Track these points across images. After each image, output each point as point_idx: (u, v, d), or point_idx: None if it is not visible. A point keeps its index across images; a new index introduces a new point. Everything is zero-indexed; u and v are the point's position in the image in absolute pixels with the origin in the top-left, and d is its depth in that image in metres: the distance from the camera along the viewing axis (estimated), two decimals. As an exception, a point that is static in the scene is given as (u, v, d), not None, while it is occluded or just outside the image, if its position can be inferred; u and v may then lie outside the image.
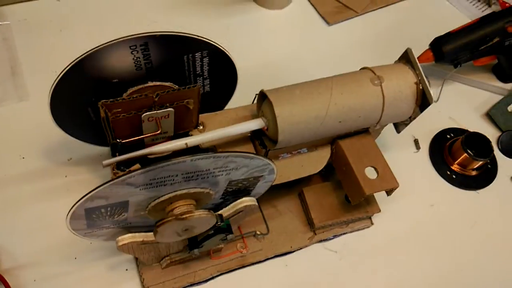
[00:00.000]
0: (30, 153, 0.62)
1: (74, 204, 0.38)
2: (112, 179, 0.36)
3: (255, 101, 0.58)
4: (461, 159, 0.68)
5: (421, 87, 0.53)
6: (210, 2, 0.83)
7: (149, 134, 0.49)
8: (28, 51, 0.71)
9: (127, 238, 0.45)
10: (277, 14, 0.84)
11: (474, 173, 0.69)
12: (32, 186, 0.59)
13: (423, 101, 0.53)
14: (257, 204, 0.48)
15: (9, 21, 0.73)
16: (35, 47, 0.72)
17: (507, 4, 0.85)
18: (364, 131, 0.56)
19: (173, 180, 0.39)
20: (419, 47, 0.73)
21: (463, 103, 0.77)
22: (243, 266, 0.57)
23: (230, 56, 0.49)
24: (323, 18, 0.84)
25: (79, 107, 0.49)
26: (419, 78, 0.53)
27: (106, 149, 0.62)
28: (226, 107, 0.59)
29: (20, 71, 0.68)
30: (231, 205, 0.48)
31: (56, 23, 0.75)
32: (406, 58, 0.55)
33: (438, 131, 0.73)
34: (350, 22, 0.84)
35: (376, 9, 0.87)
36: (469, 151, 0.66)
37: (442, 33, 0.72)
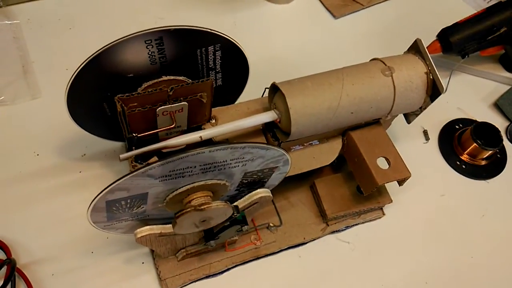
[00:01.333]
0: (44, 150, 0.62)
1: (96, 197, 0.39)
2: (133, 171, 0.37)
3: (265, 95, 0.59)
4: (470, 149, 0.69)
5: (431, 77, 0.53)
6: (216, -3, 0.83)
7: (164, 128, 0.49)
8: (38, 49, 0.72)
9: (145, 230, 0.46)
10: (283, 8, 0.84)
11: (483, 162, 0.69)
12: (47, 182, 0.60)
13: (433, 91, 0.54)
14: (271, 195, 0.49)
15: (18, 20, 0.73)
16: (45, 46, 0.72)
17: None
18: (375, 122, 0.57)
19: (191, 171, 0.40)
20: (426, 39, 0.72)
21: (471, 93, 0.78)
22: (257, 258, 0.58)
23: (242, 49, 0.50)
24: (329, 11, 0.84)
25: (95, 103, 0.49)
26: (429, 68, 0.53)
27: (119, 144, 0.63)
28: (237, 101, 0.60)
29: (32, 69, 0.69)
30: (247, 196, 0.48)
31: (65, 22, 0.76)
32: (415, 48, 0.55)
33: (446, 122, 0.73)
34: (356, 15, 0.85)
35: (382, 1, 0.87)
36: (478, 141, 0.66)
37: (449, 24, 0.73)
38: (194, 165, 0.39)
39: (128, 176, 0.37)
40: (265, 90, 0.59)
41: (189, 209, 0.41)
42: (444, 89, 0.52)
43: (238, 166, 0.43)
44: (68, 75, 0.65)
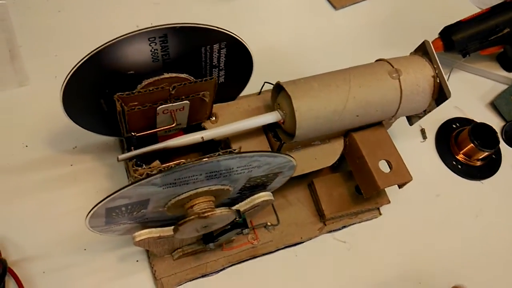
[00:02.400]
0: (33, 141, 0.60)
1: (96, 205, 0.37)
2: (138, 180, 0.35)
3: (263, 89, 0.57)
4: (467, 149, 0.69)
5: (438, 81, 0.52)
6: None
7: (164, 127, 0.48)
8: (25, 33, 0.68)
9: (144, 234, 0.44)
10: (283, -3, 0.82)
11: (478, 163, 0.70)
12: (37, 176, 0.58)
13: (439, 95, 0.53)
14: (273, 198, 0.48)
15: (4, 1, 0.69)
16: (33, 29, 0.69)
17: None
18: (377, 123, 0.56)
19: (196, 178, 0.39)
20: (427, 34, 0.71)
21: (468, 92, 0.78)
22: (254, 257, 0.57)
23: (248, 47, 0.48)
24: (329, 2, 0.82)
25: (92, 99, 0.47)
26: (437, 71, 0.52)
27: (112, 138, 0.61)
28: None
29: (19, 54, 0.65)
30: (248, 199, 0.47)
31: (53, 4, 0.72)
32: (423, 50, 0.54)
33: (444, 121, 0.73)
34: (357, 6, 0.83)
35: (383, -7, 0.85)
36: (475, 142, 0.66)
37: (451, 20, 0.71)
38: (200, 173, 0.38)
39: (132, 186, 0.35)
40: (263, 85, 0.57)
41: (192, 217, 0.40)
42: (451, 93, 0.51)
43: (244, 172, 0.41)
44: (58, 61, 0.62)
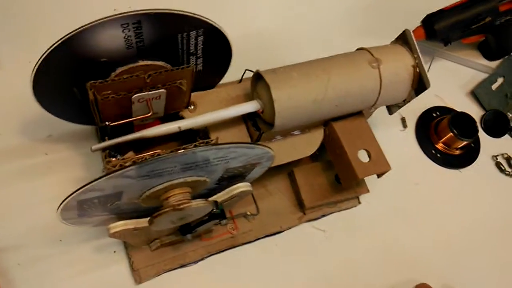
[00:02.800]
0: (6, 128, 0.58)
1: (67, 197, 0.36)
2: (109, 172, 0.34)
3: (243, 77, 0.56)
4: (446, 138, 0.69)
5: (418, 71, 0.52)
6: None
7: (139, 117, 0.46)
8: (-2, 16, 0.65)
9: (119, 226, 0.43)
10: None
11: (457, 152, 0.70)
12: (10, 165, 0.56)
13: (419, 85, 0.53)
14: (252, 189, 0.47)
15: (-25, -18, 0.66)
16: (6, 12, 0.66)
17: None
18: (357, 113, 0.56)
19: (171, 170, 0.38)
20: (410, 20, 0.71)
21: (449, 81, 0.78)
22: (234, 247, 0.57)
23: (226, 35, 0.47)
24: (312, -14, 0.81)
25: (64, 87, 0.45)
26: (417, 61, 0.52)
27: (88, 126, 0.59)
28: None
29: (-10, 38, 0.63)
30: (226, 190, 0.47)
31: (28, -15, 0.69)
32: (403, 39, 0.54)
33: (424, 110, 0.73)
34: (340, -7, 0.82)
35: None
36: (455, 131, 0.67)
37: (435, 7, 0.71)
38: (174, 165, 0.37)
39: (104, 178, 0.34)
40: (244, 72, 0.56)
41: (167, 209, 0.39)
42: (430, 84, 0.51)
43: (221, 163, 0.41)
44: (32, 48, 0.59)
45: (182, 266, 0.54)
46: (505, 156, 0.72)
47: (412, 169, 0.68)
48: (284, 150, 0.53)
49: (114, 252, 0.54)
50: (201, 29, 0.45)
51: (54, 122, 0.58)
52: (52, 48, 0.39)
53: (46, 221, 0.53)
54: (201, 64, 0.50)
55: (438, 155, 0.70)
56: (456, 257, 0.63)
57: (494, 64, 0.79)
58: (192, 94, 0.51)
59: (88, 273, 0.52)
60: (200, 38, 0.46)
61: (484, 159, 0.71)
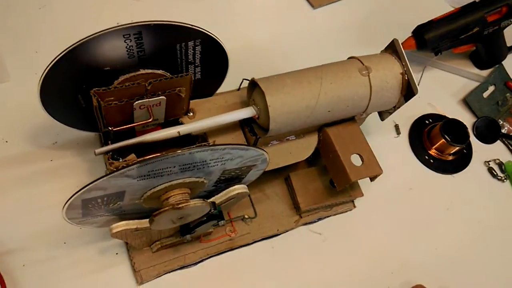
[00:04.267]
0: (13, 136, 0.61)
1: (72, 196, 0.38)
2: (111, 172, 0.36)
3: (241, 86, 0.58)
4: (438, 144, 0.71)
5: (406, 78, 0.54)
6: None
7: (141, 122, 0.49)
8: (5, 29, 0.69)
9: (121, 226, 0.46)
10: (262, -5, 0.84)
11: (450, 158, 0.72)
12: (17, 171, 0.59)
13: (408, 92, 0.55)
14: (248, 191, 0.49)
15: (-16, -2, 0.70)
16: (13, 26, 0.69)
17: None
18: (350, 119, 0.58)
19: (170, 171, 0.40)
20: (403, 33, 0.74)
21: (441, 89, 0.80)
22: (232, 249, 0.59)
23: (223, 45, 0.49)
24: (307, 1, 0.84)
25: (69, 94, 0.48)
26: (405, 69, 0.54)
27: (92, 133, 0.62)
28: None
29: (-1, 50, 0.66)
30: (224, 192, 0.49)
31: (34, 1, 0.73)
32: (392, 48, 0.56)
33: (417, 117, 0.75)
34: (335, 6, 0.85)
35: (361, -7, 0.87)
36: (446, 137, 0.69)
37: (427, 19, 0.74)
38: (173, 165, 0.39)
39: (106, 177, 0.37)
40: (242, 81, 0.59)
41: (167, 208, 0.41)
42: (418, 90, 0.53)
43: (218, 165, 0.43)
44: (38, 58, 0.63)
45: (182, 267, 0.56)
46: (497, 161, 0.74)
47: (406, 175, 0.70)
48: (280, 155, 0.56)
49: (116, 254, 0.56)
50: (198, 39, 0.47)
51: (59, 130, 0.61)
52: (58, 57, 0.42)
53: (51, 224, 0.55)
54: (199, 73, 0.53)
55: (431, 160, 0.72)
56: (450, 260, 0.64)
57: (485, 72, 0.81)
58: (191, 101, 0.54)
59: (91, 274, 0.54)
60: (198, 48, 0.49)
61: (476, 165, 0.73)
